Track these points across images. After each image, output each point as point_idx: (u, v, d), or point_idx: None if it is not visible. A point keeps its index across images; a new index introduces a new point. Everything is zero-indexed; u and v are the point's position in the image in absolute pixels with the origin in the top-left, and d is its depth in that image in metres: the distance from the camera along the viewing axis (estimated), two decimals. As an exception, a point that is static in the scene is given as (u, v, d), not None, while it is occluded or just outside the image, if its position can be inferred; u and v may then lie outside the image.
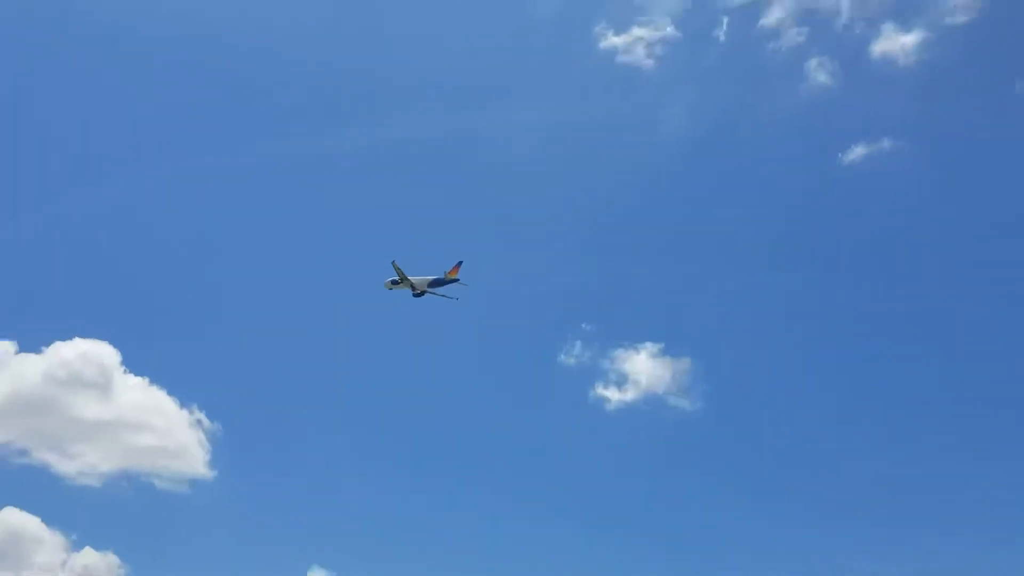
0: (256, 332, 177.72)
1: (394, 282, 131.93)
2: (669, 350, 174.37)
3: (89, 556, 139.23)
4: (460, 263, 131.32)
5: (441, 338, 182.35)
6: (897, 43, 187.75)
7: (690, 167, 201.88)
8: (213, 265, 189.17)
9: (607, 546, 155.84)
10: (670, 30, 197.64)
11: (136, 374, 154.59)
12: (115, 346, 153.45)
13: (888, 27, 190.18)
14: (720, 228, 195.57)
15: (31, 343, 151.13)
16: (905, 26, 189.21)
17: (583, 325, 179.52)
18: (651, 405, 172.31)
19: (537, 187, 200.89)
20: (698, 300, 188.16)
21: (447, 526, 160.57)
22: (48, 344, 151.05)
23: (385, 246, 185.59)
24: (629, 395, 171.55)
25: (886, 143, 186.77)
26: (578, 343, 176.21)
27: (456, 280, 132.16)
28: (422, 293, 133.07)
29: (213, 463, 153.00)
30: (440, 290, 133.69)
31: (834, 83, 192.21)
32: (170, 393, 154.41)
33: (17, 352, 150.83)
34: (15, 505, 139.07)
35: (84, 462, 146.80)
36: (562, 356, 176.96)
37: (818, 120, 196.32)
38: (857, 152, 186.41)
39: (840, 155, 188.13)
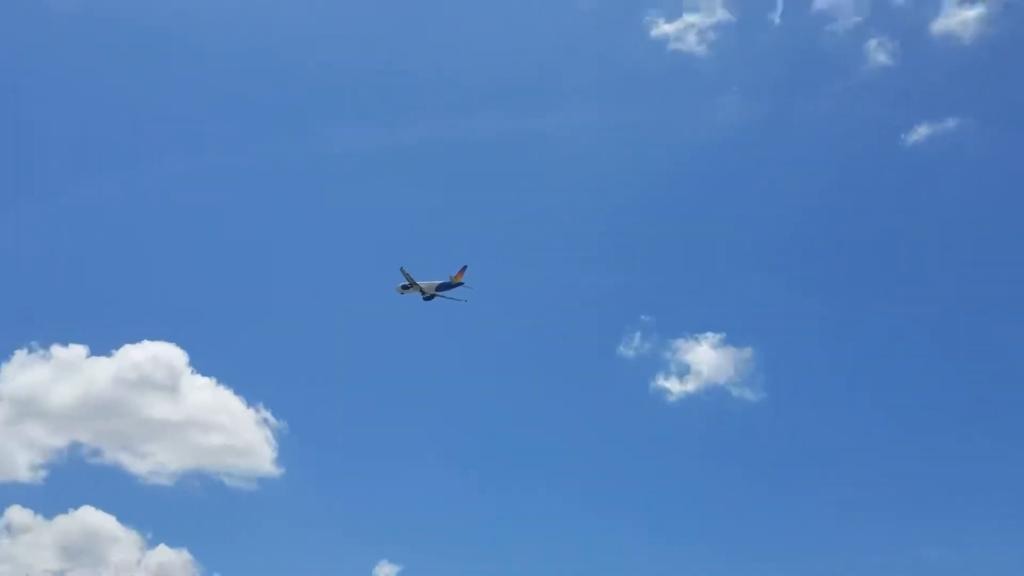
0: (317, 331, 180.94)
1: (404, 287, 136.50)
2: (731, 340, 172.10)
3: (163, 553, 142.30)
4: (465, 267, 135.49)
5: (500, 334, 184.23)
6: (958, 19, 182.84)
7: (749, 154, 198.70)
8: (271, 266, 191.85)
9: (671, 541, 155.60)
10: (722, 15, 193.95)
11: (203, 375, 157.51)
12: (182, 348, 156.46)
13: (948, 3, 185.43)
14: (781, 215, 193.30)
15: (101, 347, 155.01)
16: (966, 1, 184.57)
17: (642, 316, 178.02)
18: (713, 396, 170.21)
19: (592, 180, 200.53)
20: (759, 288, 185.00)
21: (510, 520, 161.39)
22: (118, 347, 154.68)
23: (440, 244, 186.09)
24: (691, 386, 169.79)
25: (950, 122, 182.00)
26: (637, 335, 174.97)
27: (461, 284, 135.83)
28: (432, 296, 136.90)
29: (280, 461, 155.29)
30: (448, 293, 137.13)
31: (894, 63, 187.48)
32: (236, 393, 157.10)
33: (88, 356, 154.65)
34: (92, 504, 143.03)
35: (155, 461, 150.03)
36: (621, 348, 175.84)
37: (879, 101, 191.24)
38: (921, 132, 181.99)
39: (903, 136, 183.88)
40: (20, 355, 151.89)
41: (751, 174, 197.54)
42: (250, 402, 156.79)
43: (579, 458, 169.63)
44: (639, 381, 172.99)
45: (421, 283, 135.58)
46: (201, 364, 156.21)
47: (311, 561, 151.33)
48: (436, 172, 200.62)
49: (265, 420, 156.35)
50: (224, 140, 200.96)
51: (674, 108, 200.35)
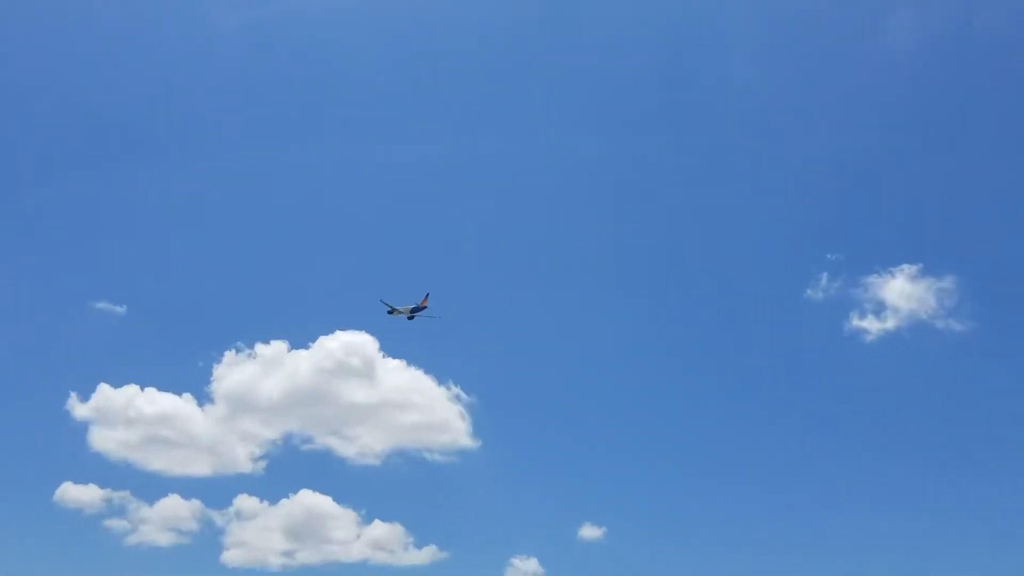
0: (496, 309, 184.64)
1: (389, 312, 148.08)
2: (929, 270, 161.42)
3: (378, 528, 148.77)
4: (427, 295, 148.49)
5: (681, 292, 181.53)
6: None
7: (928, 74, 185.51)
8: (439, 251, 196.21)
9: (892, 504, 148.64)
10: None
11: (393, 358, 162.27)
12: (372, 334, 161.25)
13: None
14: (966, 130, 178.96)
15: (299, 340, 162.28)
16: None
17: (828, 255, 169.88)
18: (916, 332, 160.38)
19: (760, 117, 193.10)
20: (954, 211, 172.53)
21: (707, 479, 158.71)
22: (314, 340, 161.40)
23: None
24: (890, 323, 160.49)
25: None
26: (824, 275, 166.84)
27: (426, 308, 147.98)
28: (412, 317, 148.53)
29: (475, 433, 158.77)
30: (422, 313, 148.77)
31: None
32: (427, 372, 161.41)
33: (289, 350, 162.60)
34: (309, 487, 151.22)
35: (361, 443, 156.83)
36: (808, 291, 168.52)
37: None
38: None
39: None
40: (229, 356, 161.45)
41: (932, 95, 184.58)
42: (441, 380, 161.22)
43: (779, 414, 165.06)
44: (833, 324, 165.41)
45: (400, 308, 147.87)
46: (390, 348, 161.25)
47: (516, 525, 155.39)
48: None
49: (457, 396, 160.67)
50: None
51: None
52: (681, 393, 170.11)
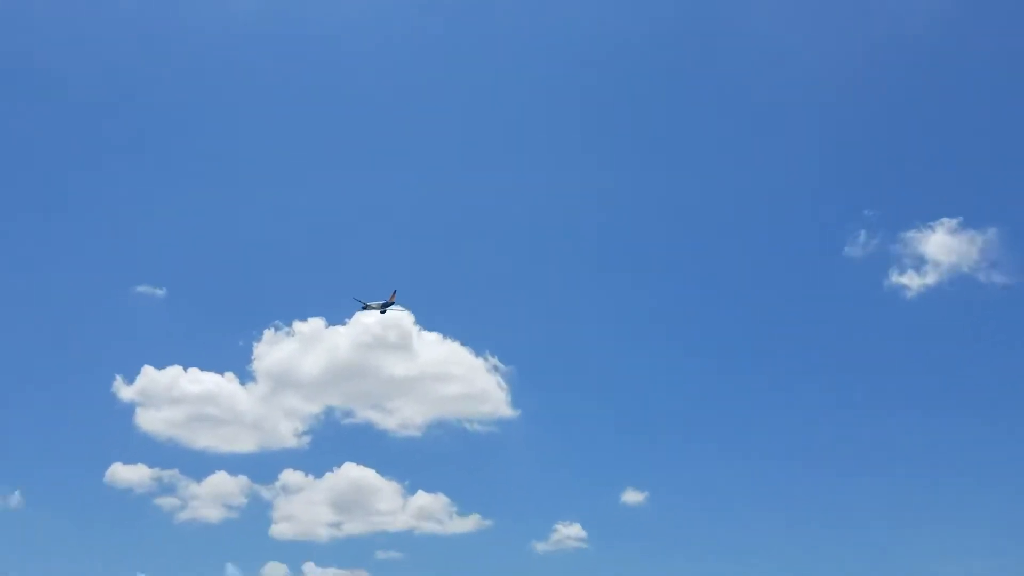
0: (530, 278, 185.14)
1: (363, 308, 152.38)
2: (969, 223, 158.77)
3: (422, 498, 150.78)
4: (395, 292, 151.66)
5: (719, 255, 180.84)
6: None
7: (967, 25, 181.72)
8: (469, 222, 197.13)
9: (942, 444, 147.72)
10: None
11: (430, 331, 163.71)
12: (408, 309, 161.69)
13: None
14: (1006, 80, 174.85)
15: (336, 317, 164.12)
16: None
17: (865, 211, 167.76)
18: (958, 286, 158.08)
19: (794, 73, 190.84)
20: (994, 162, 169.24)
21: (748, 442, 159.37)
22: (350, 316, 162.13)
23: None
24: (930, 278, 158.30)
25: None
26: (862, 232, 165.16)
27: (394, 303, 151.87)
28: (383, 311, 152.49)
29: (515, 403, 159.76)
30: (392, 308, 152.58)
31: None
32: (463, 344, 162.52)
33: (326, 327, 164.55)
34: (352, 461, 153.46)
35: (402, 416, 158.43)
36: (847, 249, 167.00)
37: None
38: None
39: None
40: (268, 334, 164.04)
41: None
42: (478, 352, 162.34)
43: (820, 374, 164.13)
44: (872, 280, 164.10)
45: (372, 304, 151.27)
46: (426, 321, 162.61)
47: (559, 492, 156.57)
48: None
49: (495, 367, 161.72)
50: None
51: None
52: (721, 356, 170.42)
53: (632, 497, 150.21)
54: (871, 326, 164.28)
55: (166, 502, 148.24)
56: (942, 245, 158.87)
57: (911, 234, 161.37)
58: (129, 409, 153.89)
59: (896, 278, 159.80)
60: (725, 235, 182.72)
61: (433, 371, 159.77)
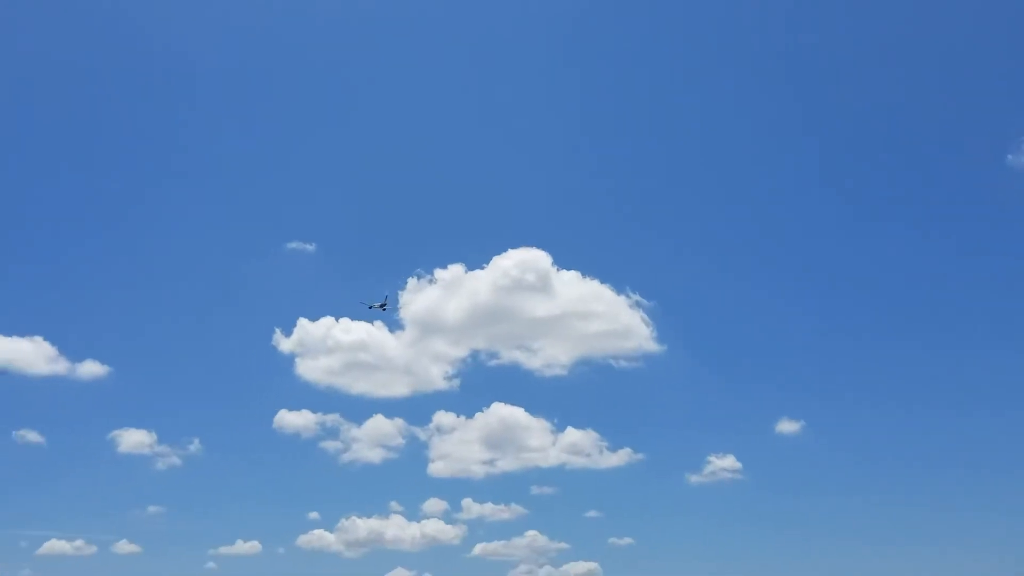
0: (666, 211, 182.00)
1: (370, 307, 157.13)
2: None
3: (572, 435, 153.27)
4: (388, 296, 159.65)
5: (882, 168, 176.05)
6: None
7: None
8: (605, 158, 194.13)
9: None
10: None
11: (568, 270, 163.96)
12: (544, 249, 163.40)
13: None
14: None
15: (475, 261, 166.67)
16: None
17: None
18: None
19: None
20: None
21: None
22: (488, 260, 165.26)
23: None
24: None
25: None
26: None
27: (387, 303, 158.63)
28: (384, 308, 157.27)
29: (660, 338, 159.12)
30: (387, 305, 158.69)
31: None
32: (603, 282, 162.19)
33: (466, 272, 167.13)
34: (501, 400, 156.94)
35: (546, 355, 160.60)
36: (1010, 157, 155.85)
37: None
38: None
39: None
40: (412, 282, 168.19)
41: None
42: (618, 288, 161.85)
43: (988, 284, 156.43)
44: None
45: (375, 303, 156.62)
46: (563, 261, 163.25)
47: (710, 424, 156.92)
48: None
49: (637, 303, 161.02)
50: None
51: None
52: (878, 270, 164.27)
53: (787, 427, 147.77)
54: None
55: (331, 445, 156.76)
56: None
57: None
58: (289, 360, 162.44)
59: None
60: (889, 149, 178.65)
61: (575, 309, 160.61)
